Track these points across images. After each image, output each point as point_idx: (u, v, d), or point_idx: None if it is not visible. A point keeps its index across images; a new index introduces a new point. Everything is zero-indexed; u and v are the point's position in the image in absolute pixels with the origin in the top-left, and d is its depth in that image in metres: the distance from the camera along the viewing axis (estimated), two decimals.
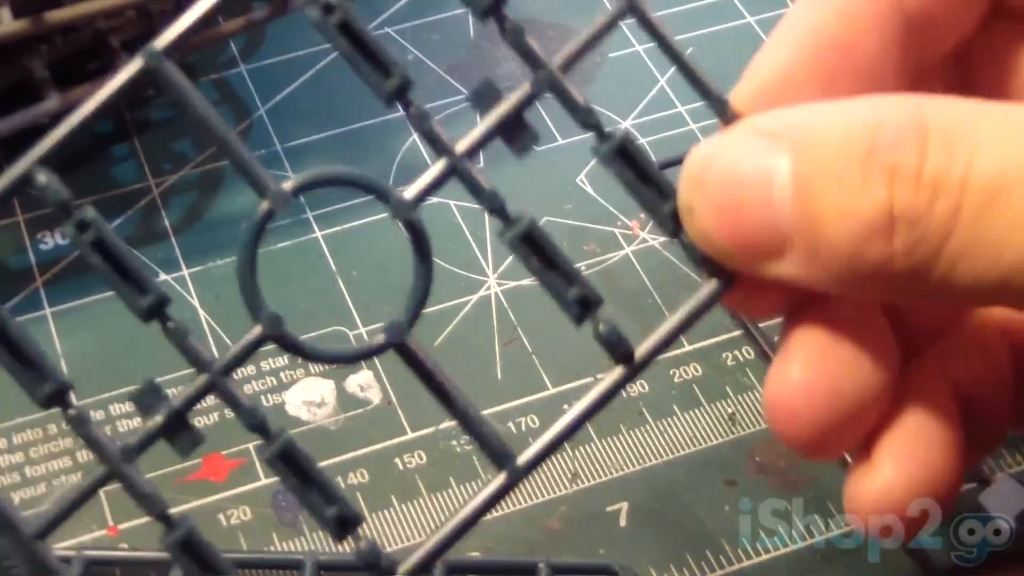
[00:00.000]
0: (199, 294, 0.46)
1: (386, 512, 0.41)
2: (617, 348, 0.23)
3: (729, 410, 0.43)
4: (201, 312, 0.45)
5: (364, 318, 0.45)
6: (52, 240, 0.48)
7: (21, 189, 0.23)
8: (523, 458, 0.23)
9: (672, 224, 0.24)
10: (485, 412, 0.43)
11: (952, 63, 0.28)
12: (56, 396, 0.22)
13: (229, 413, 0.43)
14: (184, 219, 0.49)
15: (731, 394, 0.44)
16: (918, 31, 0.26)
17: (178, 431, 0.22)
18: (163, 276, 0.47)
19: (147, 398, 0.22)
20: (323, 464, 0.42)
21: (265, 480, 0.41)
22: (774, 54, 0.25)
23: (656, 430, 0.43)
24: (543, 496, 0.41)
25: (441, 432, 0.43)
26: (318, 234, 0.48)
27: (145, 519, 0.39)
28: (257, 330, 0.22)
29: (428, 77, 0.53)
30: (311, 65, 0.53)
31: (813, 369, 0.24)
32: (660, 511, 0.41)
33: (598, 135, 0.23)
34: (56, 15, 0.44)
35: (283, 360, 0.44)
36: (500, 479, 0.23)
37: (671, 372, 0.44)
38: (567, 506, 0.41)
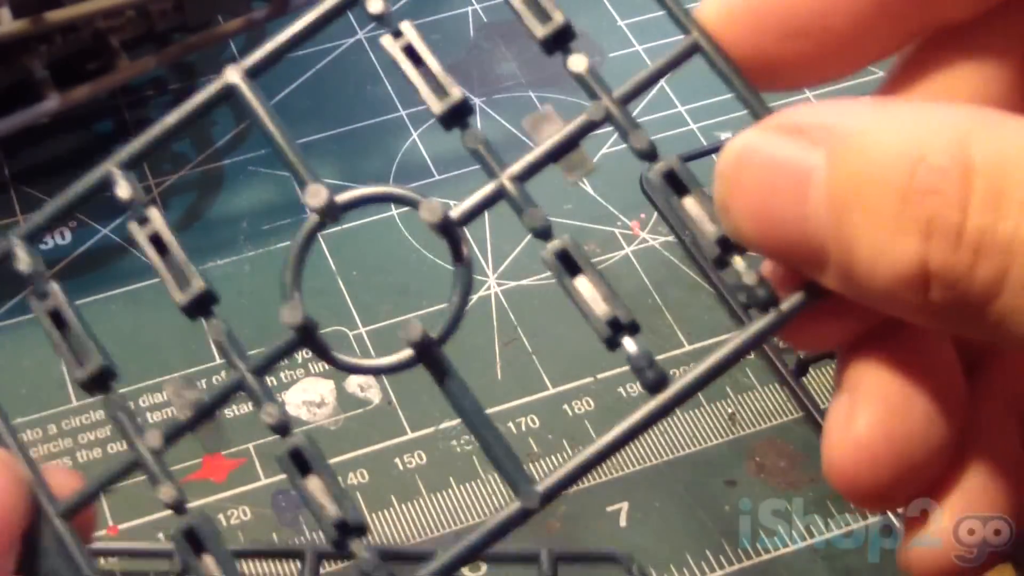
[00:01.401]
0: None
1: (386, 512, 0.41)
2: (646, 374, 0.23)
3: (729, 410, 0.43)
4: None
5: (364, 318, 0.45)
6: (52, 240, 0.48)
7: (100, 192, 0.24)
8: (542, 486, 0.22)
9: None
10: (485, 412, 0.43)
11: None
12: (99, 379, 0.23)
13: (229, 413, 0.43)
14: (184, 219, 0.49)
15: (731, 394, 0.44)
16: None
17: (205, 424, 0.23)
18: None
19: (180, 393, 0.23)
20: None
21: (265, 480, 0.41)
22: None
23: (656, 430, 0.43)
24: None
25: (441, 432, 0.43)
26: (318, 234, 0.48)
27: (145, 519, 0.40)
28: (292, 335, 0.22)
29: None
30: (311, 65, 0.53)
31: (883, 424, 0.22)
32: (660, 511, 0.41)
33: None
34: (56, 15, 0.44)
35: (283, 360, 0.44)
36: (514, 507, 0.22)
37: (671, 372, 0.44)
38: (567, 506, 0.41)
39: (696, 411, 0.43)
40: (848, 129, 0.20)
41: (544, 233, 0.22)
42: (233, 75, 0.24)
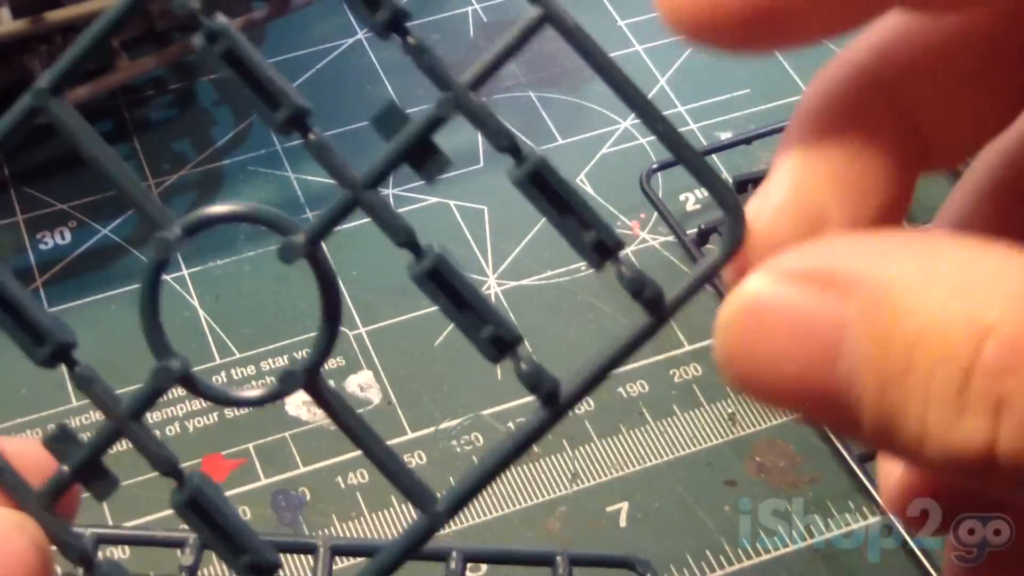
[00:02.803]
0: (199, 294, 0.46)
1: (386, 512, 0.41)
2: (540, 388, 0.22)
3: (729, 410, 0.43)
4: (201, 312, 0.45)
5: (364, 318, 0.45)
6: (52, 240, 0.48)
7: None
8: (442, 505, 0.21)
9: (596, 256, 0.21)
10: (485, 412, 0.43)
11: None
12: (59, 354, 0.22)
13: (229, 413, 0.43)
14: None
15: (731, 394, 0.44)
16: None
17: (94, 477, 0.21)
18: (163, 276, 0.47)
19: (60, 443, 0.21)
20: (323, 464, 0.42)
21: (265, 480, 0.41)
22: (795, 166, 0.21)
23: (656, 430, 0.43)
24: (543, 496, 0.41)
25: (441, 432, 0.43)
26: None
27: (145, 519, 0.39)
28: (163, 373, 0.20)
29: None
30: (311, 65, 0.53)
31: None
32: (660, 511, 0.41)
33: (515, 159, 0.20)
34: (56, 15, 0.44)
35: (283, 360, 0.44)
36: (421, 522, 0.21)
37: (671, 372, 0.44)
38: (567, 506, 0.41)
39: (696, 411, 0.43)
40: (887, 283, 0.18)
41: (412, 246, 0.21)
42: (33, 95, 0.21)
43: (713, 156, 0.49)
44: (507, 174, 0.20)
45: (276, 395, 0.21)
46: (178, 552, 0.37)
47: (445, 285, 0.21)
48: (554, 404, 0.21)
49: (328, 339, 0.21)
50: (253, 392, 0.21)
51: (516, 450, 0.21)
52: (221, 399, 0.21)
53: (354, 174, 0.21)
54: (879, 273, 0.18)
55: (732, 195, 0.20)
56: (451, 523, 0.41)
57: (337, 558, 0.37)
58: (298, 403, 0.43)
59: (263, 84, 0.21)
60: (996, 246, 0.18)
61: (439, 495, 0.21)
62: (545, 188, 0.20)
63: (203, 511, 0.21)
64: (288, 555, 0.39)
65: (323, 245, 0.21)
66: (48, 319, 0.21)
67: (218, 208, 0.20)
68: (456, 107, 0.20)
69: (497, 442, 0.21)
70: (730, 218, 0.20)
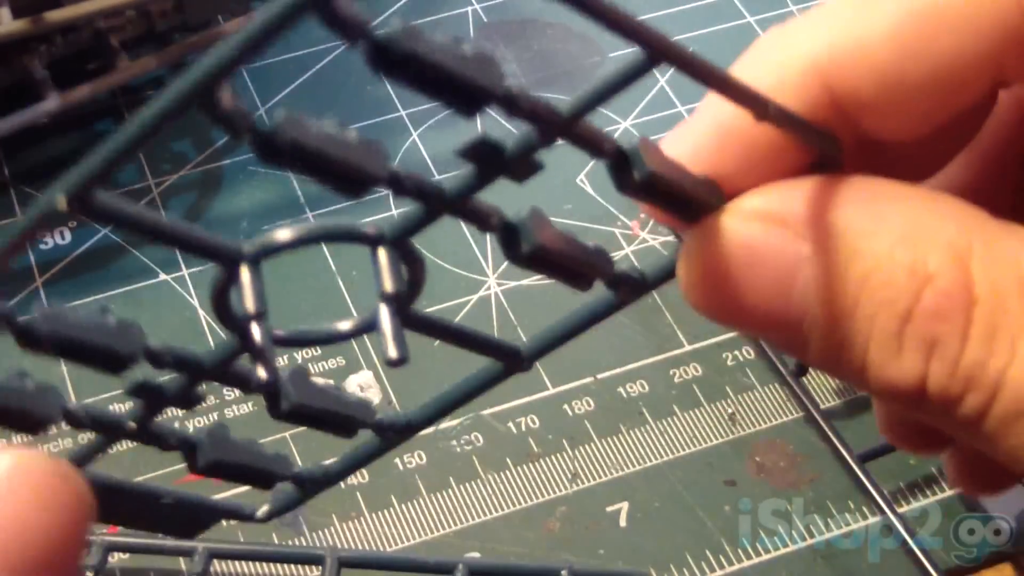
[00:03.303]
0: (199, 294, 0.46)
1: (386, 512, 0.41)
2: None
3: (729, 410, 0.43)
4: (201, 312, 0.45)
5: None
6: (52, 240, 0.48)
7: None
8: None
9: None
10: (485, 412, 0.43)
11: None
12: None
13: (229, 413, 0.43)
14: (184, 219, 0.49)
15: (731, 394, 0.44)
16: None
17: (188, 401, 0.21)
18: (163, 276, 0.47)
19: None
20: (323, 464, 0.42)
21: None
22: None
23: (656, 430, 0.43)
24: (543, 496, 0.41)
25: (441, 432, 0.43)
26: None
27: None
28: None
29: None
30: (311, 65, 0.53)
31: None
32: (660, 511, 0.41)
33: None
34: (56, 15, 0.44)
35: (283, 360, 0.44)
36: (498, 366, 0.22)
37: (671, 372, 0.44)
38: (567, 506, 0.41)
39: (696, 411, 0.43)
40: (839, 228, 0.20)
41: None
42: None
43: None
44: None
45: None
46: (182, 561, 0.37)
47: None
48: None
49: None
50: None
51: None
52: (318, 336, 0.21)
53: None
54: (834, 216, 0.20)
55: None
56: (451, 523, 0.41)
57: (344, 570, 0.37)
58: None
59: None
60: (944, 199, 0.20)
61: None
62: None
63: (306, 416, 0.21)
64: (294, 566, 0.39)
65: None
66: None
67: (286, 233, 0.19)
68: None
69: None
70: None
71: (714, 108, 0.21)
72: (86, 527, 0.19)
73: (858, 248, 0.20)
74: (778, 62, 0.20)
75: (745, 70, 0.21)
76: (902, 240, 0.19)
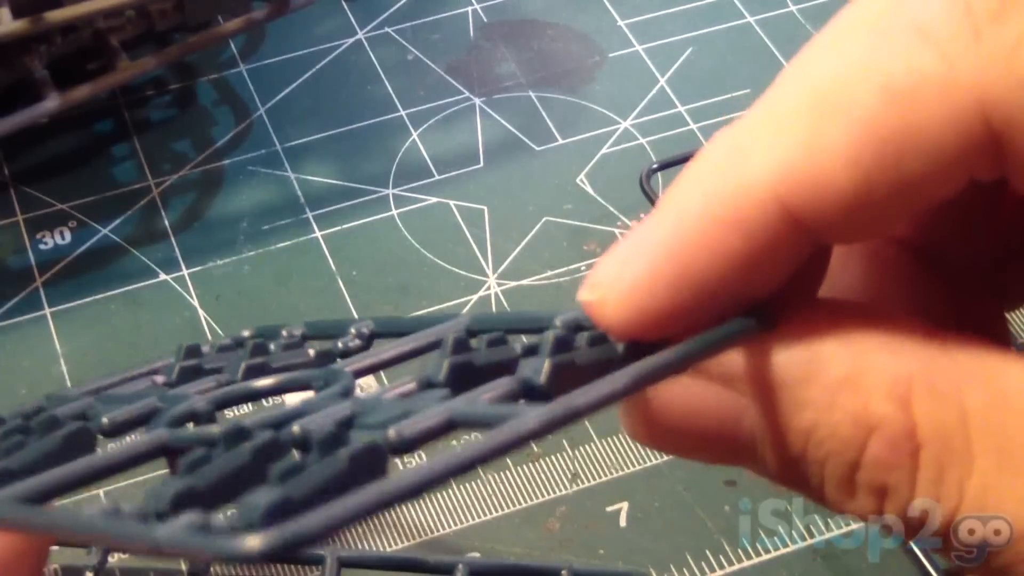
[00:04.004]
0: (199, 294, 0.46)
1: (386, 512, 0.41)
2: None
3: None
4: (201, 312, 0.45)
5: (364, 318, 0.45)
6: (52, 240, 0.48)
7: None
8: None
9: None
10: None
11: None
12: None
13: (230, 414, 0.43)
14: (184, 219, 0.49)
15: None
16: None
17: None
18: (163, 276, 0.47)
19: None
20: None
21: None
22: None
23: None
24: (543, 496, 0.41)
25: None
26: (318, 234, 0.48)
27: None
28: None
29: (428, 77, 0.53)
30: (311, 65, 0.53)
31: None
32: (660, 511, 0.41)
33: None
34: (56, 15, 0.44)
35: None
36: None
37: None
38: (567, 506, 0.41)
39: None
40: (779, 379, 0.20)
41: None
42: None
43: None
44: None
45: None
46: (182, 561, 0.37)
47: None
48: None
49: None
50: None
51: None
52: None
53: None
54: (774, 366, 0.20)
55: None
56: (451, 523, 0.41)
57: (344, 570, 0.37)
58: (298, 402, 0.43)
59: None
60: (882, 323, 0.20)
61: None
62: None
63: None
64: (294, 566, 0.39)
65: None
66: None
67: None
68: None
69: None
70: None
71: (648, 249, 0.20)
72: None
73: (800, 399, 0.20)
74: (733, 193, 0.19)
75: (695, 200, 0.20)
76: (843, 384, 0.19)
